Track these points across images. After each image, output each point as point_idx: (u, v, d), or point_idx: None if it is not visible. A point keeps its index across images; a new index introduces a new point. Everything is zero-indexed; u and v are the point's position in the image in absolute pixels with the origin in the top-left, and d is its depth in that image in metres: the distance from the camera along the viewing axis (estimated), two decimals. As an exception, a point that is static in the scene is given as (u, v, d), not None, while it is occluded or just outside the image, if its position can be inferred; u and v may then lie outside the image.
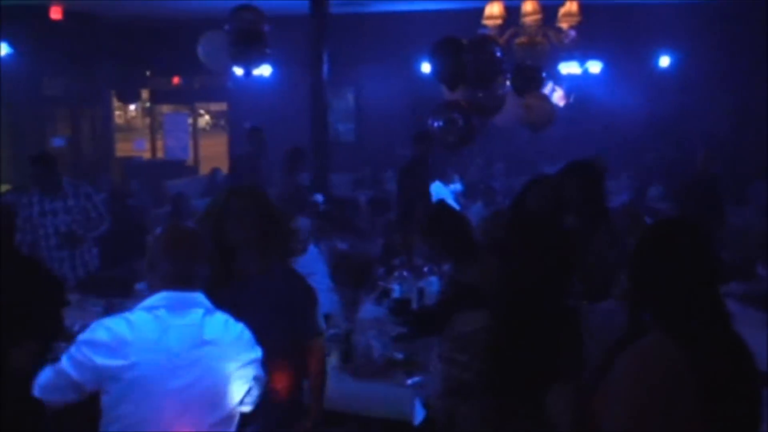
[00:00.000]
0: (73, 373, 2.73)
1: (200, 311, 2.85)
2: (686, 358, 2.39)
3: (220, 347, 2.84)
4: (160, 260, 2.88)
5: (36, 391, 2.83)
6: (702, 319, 2.47)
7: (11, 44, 11.50)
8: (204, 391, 2.81)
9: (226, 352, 2.85)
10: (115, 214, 9.18)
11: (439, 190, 10.68)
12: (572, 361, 2.80)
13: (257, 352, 2.97)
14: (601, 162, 8.10)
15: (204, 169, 16.11)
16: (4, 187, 12.12)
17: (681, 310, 2.47)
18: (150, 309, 2.83)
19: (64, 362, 2.77)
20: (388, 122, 14.26)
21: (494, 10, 7.44)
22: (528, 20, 7.45)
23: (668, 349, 2.42)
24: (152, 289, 2.90)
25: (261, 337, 3.04)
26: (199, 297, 2.89)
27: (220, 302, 2.98)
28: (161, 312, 2.81)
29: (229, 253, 3.51)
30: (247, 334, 2.95)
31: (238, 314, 2.99)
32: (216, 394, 2.84)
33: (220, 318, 2.91)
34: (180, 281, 2.85)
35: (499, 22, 7.43)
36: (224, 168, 15.05)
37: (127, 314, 2.83)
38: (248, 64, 8.20)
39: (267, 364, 3.10)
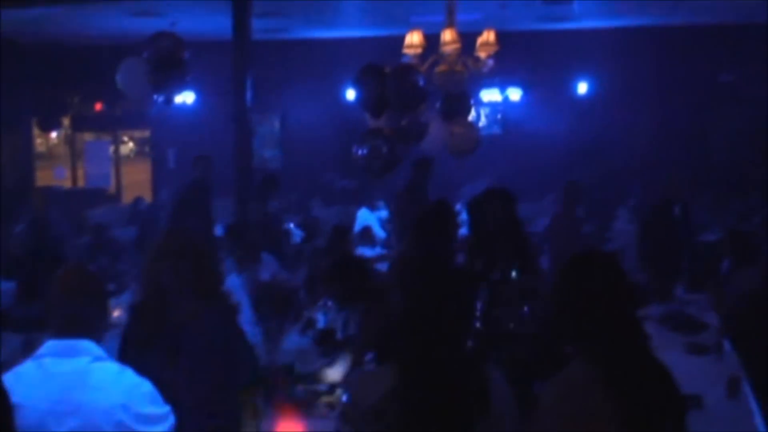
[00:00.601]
0: None
1: (87, 358, 2.73)
2: (606, 385, 2.48)
3: (108, 396, 2.68)
4: (52, 305, 2.80)
5: None
6: (620, 346, 2.56)
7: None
8: None
9: (115, 402, 2.67)
10: (34, 245, 9.00)
11: (365, 217, 10.71)
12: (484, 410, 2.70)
13: (159, 409, 2.77)
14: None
15: (127, 198, 15.87)
16: None
17: (599, 339, 2.55)
18: (36, 358, 2.76)
19: None
20: (314, 149, 14.26)
21: (414, 39, 7.51)
22: (447, 49, 7.53)
23: (589, 376, 2.51)
24: (48, 334, 2.81)
25: (195, 384, 2.97)
26: (87, 344, 2.75)
27: (152, 348, 2.91)
28: (46, 360, 2.73)
29: (163, 297, 3.41)
30: (146, 388, 2.76)
31: (171, 360, 2.92)
32: None
33: (112, 367, 2.77)
34: (69, 327, 2.75)
35: (419, 50, 7.49)
36: (147, 196, 14.90)
37: (17, 366, 2.77)
38: (168, 92, 8.12)
39: (201, 413, 3.00)
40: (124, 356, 3.29)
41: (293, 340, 5.50)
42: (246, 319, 5.39)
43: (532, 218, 10.71)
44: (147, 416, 2.70)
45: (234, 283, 6.14)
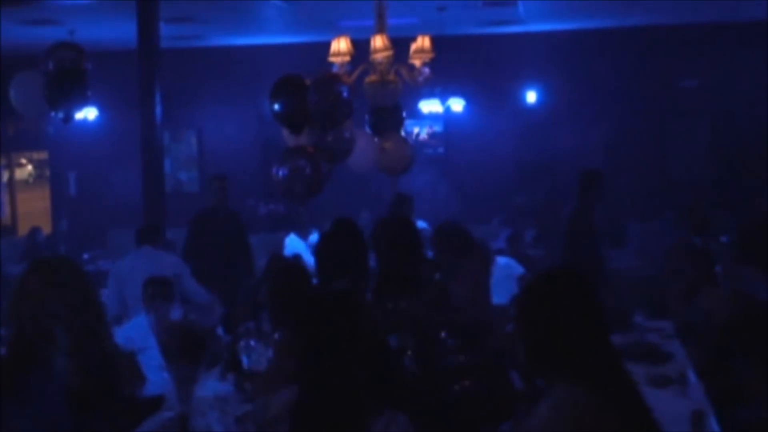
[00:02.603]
0: None
1: None
2: (598, 403, 2.62)
3: None
4: None
5: None
6: (601, 364, 2.71)
7: None
8: None
9: None
10: None
11: (294, 244, 10.64)
12: None
13: None
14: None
15: (23, 229, 15.54)
16: None
17: (583, 358, 2.68)
18: None
19: None
20: (236, 169, 14.14)
21: (341, 45, 7.49)
22: (378, 57, 7.54)
23: (580, 397, 2.64)
24: None
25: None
26: None
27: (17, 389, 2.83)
28: None
29: (32, 334, 3.33)
30: None
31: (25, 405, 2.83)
32: None
33: None
34: None
35: (346, 59, 7.49)
36: (46, 226, 14.61)
37: None
38: (67, 108, 7.99)
39: None
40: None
41: (210, 387, 5.39)
42: (154, 362, 5.31)
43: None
44: None
45: (141, 324, 6.05)
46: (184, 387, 5.03)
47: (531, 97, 13.88)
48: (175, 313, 6.27)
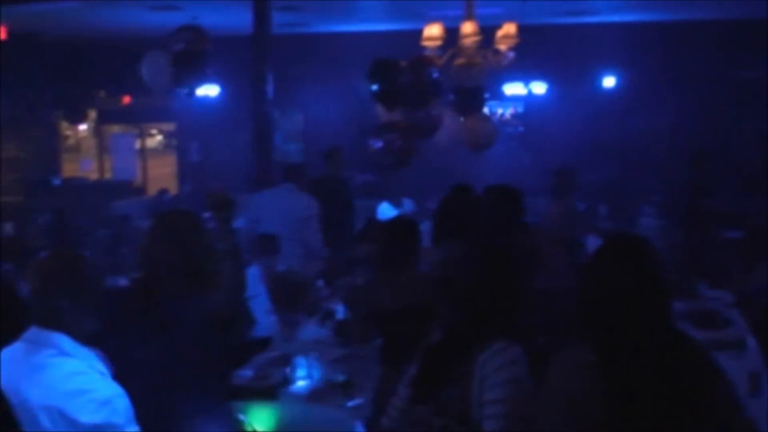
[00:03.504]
0: None
1: (51, 352, 2.62)
2: (601, 370, 2.43)
3: (49, 395, 2.55)
4: (32, 292, 2.69)
5: None
6: (658, 327, 2.49)
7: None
8: None
9: (53, 404, 2.54)
10: (57, 235, 9.03)
11: (386, 211, 10.62)
12: None
13: (97, 418, 2.56)
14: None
15: (152, 190, 15.92)
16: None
17: (637, 321, 2.46)
18: (21, 340, 2.69)
19: None
20: (336, 142, 14.19)
21: (433, 31, 7.42)
22: (466, 42, 7.43)
23: (586, 360, 2.47)
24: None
25: (175, 363, 2.96)
26: (57, 338, 2.63)
27: (141, 323, 2.85)
28: (21, 345, 2.67)
29: (156, 277, 3.38)
30: (95, 395, 2.58)
31: (157, 337, 2.86)
32: None
33: (70, 366, 2.62)
34: (41, 317, 2.65)
35: (438, 43, 7.40)
36: (173, 189, 14.94)
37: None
38: (189, 85, 8.11)
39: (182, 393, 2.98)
40: (113, 327, 3.29)
41: (311, 331, 5.45)
42: (263, 308, 5.38)
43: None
44: (78, 424, 2.53)
45: (253, 273, 6.14)
46: (288, 330, 5.10)
47: (606, 82, 13.59)
48: (281, 265, 6.33)
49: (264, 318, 5.38)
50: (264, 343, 5.06)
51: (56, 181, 15.08)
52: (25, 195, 14.62)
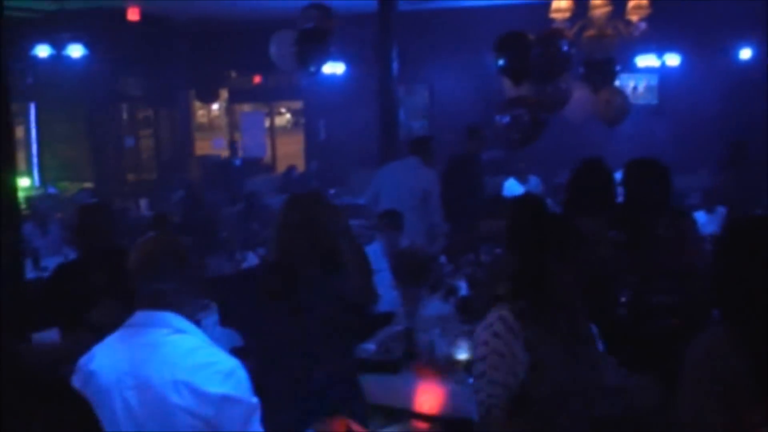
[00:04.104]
0: None
1: (166, 330, 2.63)
2: (747, 348, 2.40)
3: (174, 371, 2.56)
4: (132, 276, 2.70)
5: None
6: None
7: (88, 46, 11.69)
8: (152, 414, 2.57)
9: (179, 378, 2.55)
10: (190, 212, 9.36)
11: (513, 188, 10.53)
12: None
13: (226, 390, 2.56)
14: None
15: (281, 167, 16.27)
16: (84, 185, 12.46)
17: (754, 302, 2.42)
18: (124, 327, 2.72)
19: None
20: (461, 118, 14.11)
21: (562, 3, 7.26)
22: (597, 13, 7.25)
23: (731, 340, 2.45)
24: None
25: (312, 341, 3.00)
26: (168, 317, 2.65)
27: (278, 303, 2.93)
28: (130, 330, 2.69)
29: (290, 259, 3.47)
30: (220, 367, 2.59)
31: (294, 316, 2.93)
32: (163, 418, 2.56)
33: (189, 342, 2.64)
34: (147, 300, 2.67)
35: (567, 15, 7.25)
36: (300, 166, 15.24)
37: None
38: (315, 63, 8.21)
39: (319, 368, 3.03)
40: (248, 307, 3.41)
41: (435, 307, 5.47)
42: (385, 283, 5.43)
43: (687, 192, 10.24)
44: (210, 396, 2.54)
45: (375, 249, 6.20)
46: (411, 305, 5.13)
47: (743, 54, 12.98)
48: (404, 241, 6.37)
49: (387, 293, 5.44)
50: (387, 318, 5.12)
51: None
52: (160, 172, 15.24)
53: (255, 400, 2.62)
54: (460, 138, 9.02)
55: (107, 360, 2.63)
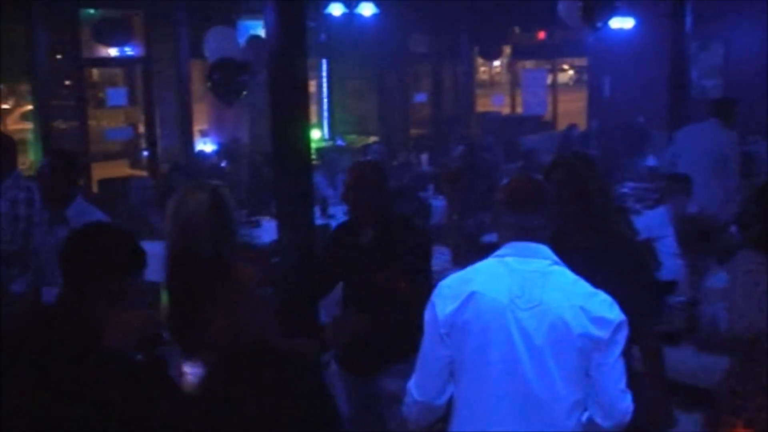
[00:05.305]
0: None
1: (546, 262, 2.79)
2: None
3: (568, 297, 2.72)
4: (503, 211, 2.87)
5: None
6: None
7: (379, 5, 12.14)
8: (548, 334, 2.71)
9: (574, 303, 2.70)
10: (470, 167, 9.48)
11: None
12: None
13: (616, 316, 2.72)
14: None
15: (561, 125, 16.04)
16: (371, 139, 12.98)
17: None
18: (498, 256, 2.85)
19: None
20: (761, 78, 13.10)
21: None
22: None
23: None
24: (499, 241, 2.89)
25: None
26: (544, 249, 2.81)
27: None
28: (508, 259, 2.82)
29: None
30: (603, 296, 2.75)
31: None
32: (558, 338, 2.71)
33: (569, 273, 2.80)
34: (522, 232, 2.82)
35: None
36: (582, 124, 14.92)
37: (479, 263, 2.90)
38: (599, 18, 7.97)
39: None
40: None
41: (721, 278, 5.15)
42: (669, 250, 5.20)
43: None
44: (605, 320, 2.70)
45: (661, 214, 5.95)
46: (695, 275, 4.88)
47: None
48: (692, 207, 6.06)
49: (670, 261, 5.20)
50: (669, 286, 4.90)
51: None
52: (440, 128, 15.55)
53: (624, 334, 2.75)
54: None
55: (492, 283, 2.79)
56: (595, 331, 2.67)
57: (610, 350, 2.70)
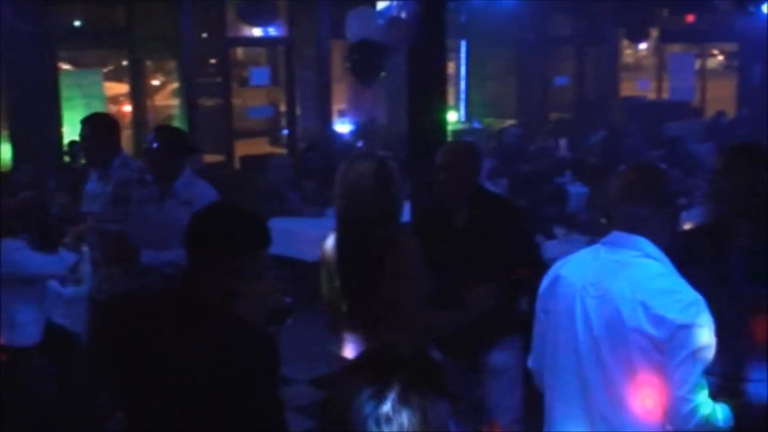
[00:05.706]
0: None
1: (634, 253, 2.72)
2: None
3: (634, 290, 2.65)
4: (611, 200, 2.85)
5: None
6: None
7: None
8: (606, 324, 2.69)
9: (637, 297, 2.63)
10: (609, 153, 9.27)
11: None
12: None
13: (682, 319, 2.59)
14: None
15: (709, 112, 15.45)
16: (508, 122, 12.84)
17: None
18: (596, 243, 2.87)
19: None
20: None
21: None
22: None
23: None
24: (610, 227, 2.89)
25: None
26: (639, 240, 2.73)
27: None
28: (600, 247, 2.83)
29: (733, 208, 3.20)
30: (683, 297, 2.62)
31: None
32: (614, 331, 2.67)
33: (655, 267, 2.71)
34: (622, 222, 2.78)
35: None
36: (731, 112, 14.31)
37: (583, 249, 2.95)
38: (752, 2, 7.58)
39: None
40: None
41: None
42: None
43: None
44: (664, 320, 2.60)
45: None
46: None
47: None
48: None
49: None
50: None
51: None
52: (580, 112, 15.23)
53: (710, 335, 2.63)
54: None
55: (576, 268, 2.85)
56: (650, 329, 2.60)
57: (670, 353, 2.60)
